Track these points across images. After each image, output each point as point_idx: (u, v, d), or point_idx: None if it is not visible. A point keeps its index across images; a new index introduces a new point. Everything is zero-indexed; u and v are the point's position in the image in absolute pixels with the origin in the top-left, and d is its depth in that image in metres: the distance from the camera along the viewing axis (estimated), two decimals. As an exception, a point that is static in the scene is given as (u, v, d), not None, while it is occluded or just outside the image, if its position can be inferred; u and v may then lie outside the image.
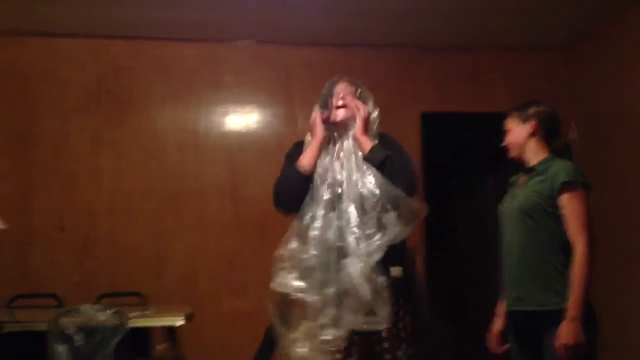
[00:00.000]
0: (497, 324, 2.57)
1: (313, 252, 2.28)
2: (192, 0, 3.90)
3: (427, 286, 4.54)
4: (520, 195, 2.49)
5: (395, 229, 2.22)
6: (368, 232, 2.22)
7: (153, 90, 4.48)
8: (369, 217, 2.25)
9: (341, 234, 2.26)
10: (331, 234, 2.27)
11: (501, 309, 2.55)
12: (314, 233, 2.28)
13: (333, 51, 4.67)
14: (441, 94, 4.74)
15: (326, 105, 2.62)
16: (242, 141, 4.55)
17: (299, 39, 4.57)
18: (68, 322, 2.78)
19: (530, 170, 2.52)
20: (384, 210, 2.26)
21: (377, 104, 4.58)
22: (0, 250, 4.06)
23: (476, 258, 6.16)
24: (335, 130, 2.55)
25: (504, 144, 2.63)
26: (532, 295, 2.35)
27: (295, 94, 4.61)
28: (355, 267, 2.17)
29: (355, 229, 2.23)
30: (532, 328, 2.37)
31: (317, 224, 2.29)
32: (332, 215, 2.31)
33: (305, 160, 2.48)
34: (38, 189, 4.29)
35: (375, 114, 2.63)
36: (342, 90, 2.64)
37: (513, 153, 2.60)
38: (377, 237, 2.21)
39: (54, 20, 4.17)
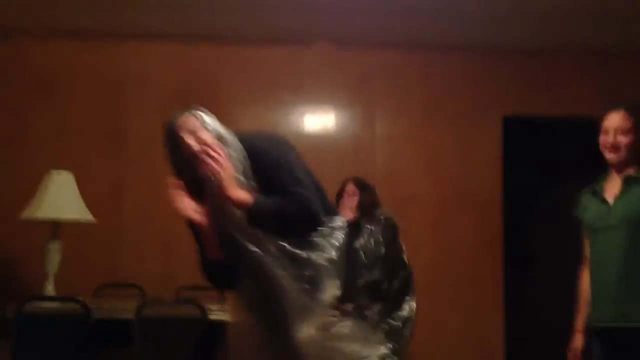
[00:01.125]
0: (578, 341, 2.44)
1: None
2: (273, 5, 3.98)
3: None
4: (620, 204, 2.31)
5: None
6: None
7: (234, 92, 4.60)
8: None
9: None
10: None
11: (581, 324, 2.42)
12: None
13: (411, 53, 4.64)
14: (524, 97, 4.61)
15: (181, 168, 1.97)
16: (319, 143, 4.59)
17: (377, 41, 4.57)
18: (152, 312, 2.89)
19: (630, 179, 2.34)
20: None
21: (456, 107, 4.58)
22: (92, 242, 4.29)
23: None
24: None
25: (609, 142, 2.39)
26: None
27: (373, 96, 4.62)
28: None
29: None
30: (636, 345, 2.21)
31: None
32: None
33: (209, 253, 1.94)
34: (127, 184, 4.49)
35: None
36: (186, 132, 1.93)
37: (618, 155, 2.37)
38: None
39: (144, 23, 4.37)
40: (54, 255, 3.45)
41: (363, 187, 3.23)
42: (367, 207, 3.11)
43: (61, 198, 3.57)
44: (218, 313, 3.11)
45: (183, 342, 2.85)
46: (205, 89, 4.59)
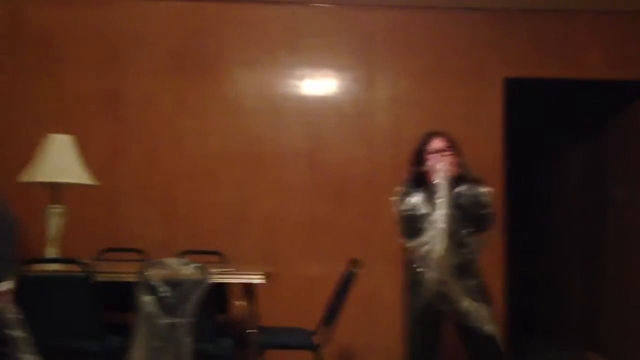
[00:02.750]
0: None
1: None
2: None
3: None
4: None
5: None
6: None
7: (233, 53, 4.53)
8: None
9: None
10: None
11: None
12: None
13: (416, 14, 4.56)
14: (529, 59, 4.54)
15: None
16: (320, 105, 4.54)
17: (379, 1, 4.48)
18: (154, 274, 2.88)
19: None
20: None
21: (459, 69, 4.52)
22: (91, 207, 4.27)
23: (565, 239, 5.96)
24: None
25: None
26: None
27: (376, 57, 4.55)
28: None
29: None
30: None
31: None
32: None
33: None
34: (125, 148, 4.45)
35: None
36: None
37: None
38: None
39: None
40: (55, 218, 3.43)
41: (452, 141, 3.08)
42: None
43: (61, 161, 3.53)
44: (219, 275, 3.11)
45: (185, 302, 2.84)
46: (204, 50, 4.53)
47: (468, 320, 2.87)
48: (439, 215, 2.82)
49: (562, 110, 5.64)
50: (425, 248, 2.85)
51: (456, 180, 2.93)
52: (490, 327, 2.88)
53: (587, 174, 5.52)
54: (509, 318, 4.51)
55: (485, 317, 2.87)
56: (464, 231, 2.86)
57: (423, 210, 2.90)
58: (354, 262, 3.54)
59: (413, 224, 2.91)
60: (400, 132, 4.49)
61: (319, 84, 4.57)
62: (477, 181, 2.98)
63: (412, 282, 3.02)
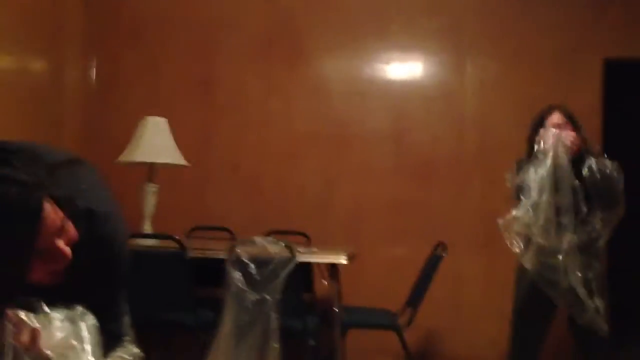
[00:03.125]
0: None
1: None
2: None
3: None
4: None
5: None
6: None
7: (321, 37, 4.56)
8: None
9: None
10: None
11: None
12: None
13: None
14: (628, 38, 4.29)
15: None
16: (407, 89, 4.50)
17: (471, -18, 4.37)
18: (243, 252, 2.97)
19: None
20: None
21: (552, 51, 4.34)
22: (182, 186, 4.45)
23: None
24: None
25: None
26: None
27: (464, 41, 4.45)
28: None
29: None
30: None
31: None
32: None
33: None
34: (216, 131, 4.59)
35: None
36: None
37: None
38: None
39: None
40: (150, 197, 3.60)
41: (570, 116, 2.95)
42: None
43: (156, 143, 3.68)
44: (305, 254, 3.17)
45: (273, 280, 2.92)
46: (292, 34, 4.58)
47: (580, 317, 2.69)
48: (540, 184, 2.69)
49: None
50: (527, 217, 2.72)
51: (580, 156, 2.78)
52: (605, 327, 2.68)
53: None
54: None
55: (601, 316, 2.67)
56: (584, 208, 2.68)
57: (534, 183, 2.75)
58: (441, 246, 3.51)
59: (523, 196, 2.77)
60: (488, 116, 4.38)
61: (406, 68, 4.53)
62: (601, 156, 2.82)
63: (518, 268, 2.90)
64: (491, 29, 4.44)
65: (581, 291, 2.66)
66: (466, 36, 4.45)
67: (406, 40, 4.52)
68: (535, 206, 2.68)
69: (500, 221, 2.85)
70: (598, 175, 2.69)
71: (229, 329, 2.89)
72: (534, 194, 2.71)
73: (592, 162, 2.73)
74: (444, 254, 3.42)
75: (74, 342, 1.16)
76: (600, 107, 4.26)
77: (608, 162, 2.74)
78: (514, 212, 2.79)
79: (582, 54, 4.31)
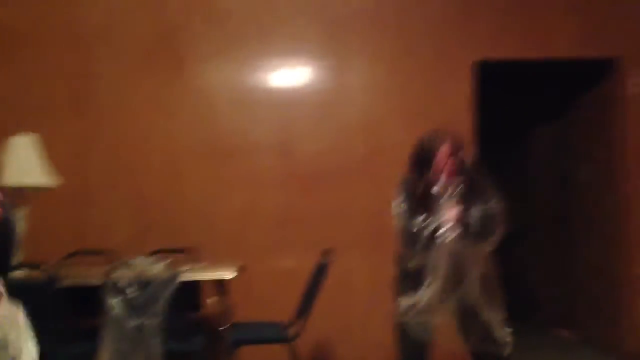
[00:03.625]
0: None
1: None
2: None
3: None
4: None
5: None
6: None
7: (202, 46, 4.45)
8: None
9: None
10: None
11: None
12: None
13: (385, 2, 4.51)
14: (497, 39, 4.51)
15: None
16: (291, 95, 4.48)
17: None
18: (121, 275, 2.83)
19: None
20: None
21: (430, 52, 4.48)
22: (58, 207, 4.19)
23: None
24: None
25: None
26: None
27: (345, 45, 4.49)
28: None
29: None
30: None
31: None
32: None
33: None
34: (93, 147, 4.37)
35: None
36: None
37: None
38: None
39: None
40: (19, 222, 3.36)
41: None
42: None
43: (24, 162, 3.45)
44: (189, 272, 3.07)
45: (154, 302, 2.80)
46: (171, 46, 4.44)
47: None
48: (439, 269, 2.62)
49: (532, 91, 5.66)
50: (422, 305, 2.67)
51: (465, 192, 2.71)
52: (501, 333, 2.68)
53: (556, 152, 5.55)
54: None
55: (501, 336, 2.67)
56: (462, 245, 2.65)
57: (425, 232, 2.65)
58: (327, 253, 3.51)
59: (416, 243, 2.68)
60: (372, 120, 4.46)
61: (289, 74, 4.51)
62: (485, 191, 2.76)
63: (402, 276, 2.89)
64: (370, 33, 4.52)
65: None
66: (346, 41, 4.50)
67: (289, 46, 4.51)
68: (429, 295, 2.64)
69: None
70: (480, 225, 2.68)
71: (107, 359, 2.74)
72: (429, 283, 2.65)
73: (476, 211, 2.70)
74: (328, 261, 3.43)
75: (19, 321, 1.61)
76: (472, 103, 4.44)
77: (488, 208, 2.72)
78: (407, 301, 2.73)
79: (456, 55, 4.47)
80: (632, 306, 4.40)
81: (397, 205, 2.81)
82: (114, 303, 2.80)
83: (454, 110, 4.45)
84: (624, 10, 4.51)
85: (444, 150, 2.80)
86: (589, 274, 4.94)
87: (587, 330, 4.99)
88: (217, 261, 3.64)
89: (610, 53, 4.51)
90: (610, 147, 4.62)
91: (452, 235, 2.63)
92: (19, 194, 3.42)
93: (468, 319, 2.67)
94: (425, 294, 2.64)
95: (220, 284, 3.30)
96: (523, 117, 5.92)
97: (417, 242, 2.67)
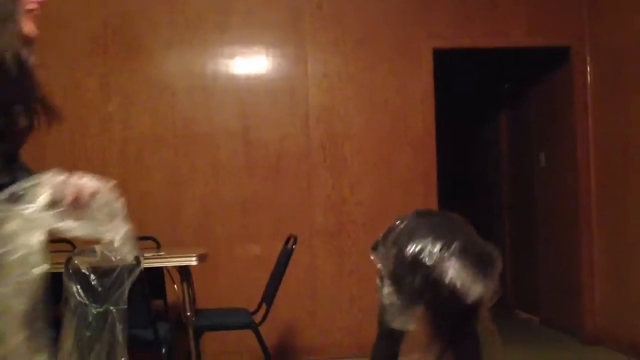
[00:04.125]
0: None
1: None
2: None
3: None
4: None
5: None
6: None
7: (160, 34, 4.39)
8: None
9: None
10: None
11: None
12: None
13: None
14: (455, 29, 4.58)
15: None
16: (251, 83, 4.46)
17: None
18: (82, 262, 2.77)
19: None
20: None
21: (389, 41, 4.52)
22: (14, 198, 4.08)
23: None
24: None
25: None
26: None
27: (305, 34, 4.49)
28: None
29: None
30: None
31: None
32: None
33: None
34: (49, 136, 4.26)
35: None
36: None
37: None
38: None
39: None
40: None
41: None
42: None
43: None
44: (152, 259, 3.03)
45: (117, 289, 2.75)
46: (129, 32, 4.36)
47: None
48: None
49: (490, 78, 5.76)
50: None
51: None
52: None
53: (517, 138, 5.67)
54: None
55: None
56: None
57: None
58: (292, 239, 3.51)
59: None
60: (333, 107, 4.47)
61: (249, 62, 4.49)
62: None
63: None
64: (330, 21, 4.53)
65: None
66: (306, 29, 4.50)
67: (248, 33, 4.48)
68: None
69: None
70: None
71: (69, 347, 2.68)
72: None
73: None
74: (292, 247, 3.43)
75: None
76: (432, 91, 4.50)
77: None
78: None
79: (415, 44, 4.52)
80: (591, 288, 4.53)
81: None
82: (76, 290, 2.74)
83: (414, 99, 4.51)
84: (575, 5, 4.63)
85: None
86: (549, 257, 5.07)
87: (547, 312, 5.12)
88: (181, 249, 3.61)
89: (564, 42, 4.63)
90: (566, 133, 4.74)
91: None
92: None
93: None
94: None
95: (184, 270, 3.27)
96: (483, 104, 6.02)
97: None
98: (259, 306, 3.52)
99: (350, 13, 4.53)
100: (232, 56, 4.45)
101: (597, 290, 4.51)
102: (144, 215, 4.24)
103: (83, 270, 2.77)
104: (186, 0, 4.42)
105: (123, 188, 4.13)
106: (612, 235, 4.37)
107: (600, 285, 4.49)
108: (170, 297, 3.67)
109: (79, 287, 2.76)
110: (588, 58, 4.57)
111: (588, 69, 4.58)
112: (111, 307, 2.74)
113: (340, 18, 4.53)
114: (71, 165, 4.24)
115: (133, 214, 4.24)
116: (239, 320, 3.43)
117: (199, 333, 3.30)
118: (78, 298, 2.73)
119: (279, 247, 3.65)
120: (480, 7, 4.59)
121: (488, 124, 6.09)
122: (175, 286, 3.45)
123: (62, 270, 2.76)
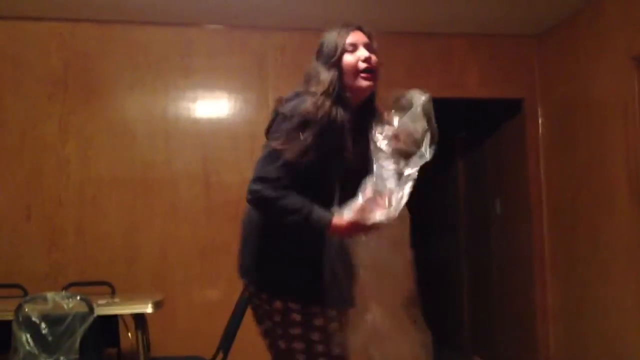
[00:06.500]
0: None
1: None
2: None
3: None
4: None
5: None
6: None
7: (121, 76, 4.39)
8: None
9: None
10: None
11: None
12: None
13: (306, 36, 4.59)
14: (413, 79, 4.71)
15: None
16: (213, 127, 4.48)
17: (273, 23, 4.51)
18: (33, 310, 2.70)
19: None
20: None
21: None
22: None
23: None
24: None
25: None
26: None
27: (268, 79, 4.56)
28: None
29: None
30: None
31: None
32: None
33: None
34: (3, 177, 4.18)
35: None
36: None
37: None
38: None
39: (17, 2, 4.06)
40: None
41: None
42: None
43: None
44: (106, 306, 2.97)
45: (68, 338, 2.68)
46: (89, 74, 4.35)
47: None
48: None
49: (448, 126, 5.90)
50: None
51: None
52: None
53: (472, 186, 5.80)
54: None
55: None
56: None
57: None
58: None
59: None
60: (294, 153, 4.50)
61: (212, 106, 4.51)
62: None
63: None
64: (292, 68, 4.61)
65: None
66: (269, 74, 4.56)
67: (211, 77, 4.51)
68: None
69: None
70: None
71: (17, 399, 2.59)
72: None
73: None
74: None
75: None
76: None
77: None
78: None
79: (378, 92, 4.60)
80: (545, 334, 4.60)
81: None
82: (26, 339, 2.66)
83: (375, 145, 4.57)
84: (528, 53, 4.82)
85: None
86: (505, 302, 5.14)
87: (504, 356, 5.16)
88: (137, 294, 3.54)
89: (517, 94, 4.80)
90: (520, 181, 4.88)
91: None
92: None
93: None
94: None
95: (139, 317, 3.20)
96: (441, 151, 6.14)
97: None
98: (216, 354, 3.46)
99: (307, 62, 4.61)
100: (194, 100, 4.47)
101: (552, 335, 4.59)
102: (100, 258, 4.16)
103: (33, 319, 2.71)
104: (149, 43, 4.45)
105: (79, 230, 4.09)
106: (565, 279, 4.47)
107: (555, 329, 4.57)
108: (124, 344, 3.58)
109: (28, 335, 2.69)
110: (540, 109, 4.76)
111: (540, 120, 4.76)
112: (61, 358, 2.68)
113: (302, 65, 4.59)
114: (25, 206, 4.17)
115: (89, 258, 4.20)
116: (194, 368, 3.37)
117: (153, 382, 3.22)
118: (27, 347, 2.66)
119: (238, 292, 3.61)
120: (437, 60, 4.74)
121: (447, 170, 6.21)
122: (130, 334, 3.38)
123: (12, 317, 2.69)
